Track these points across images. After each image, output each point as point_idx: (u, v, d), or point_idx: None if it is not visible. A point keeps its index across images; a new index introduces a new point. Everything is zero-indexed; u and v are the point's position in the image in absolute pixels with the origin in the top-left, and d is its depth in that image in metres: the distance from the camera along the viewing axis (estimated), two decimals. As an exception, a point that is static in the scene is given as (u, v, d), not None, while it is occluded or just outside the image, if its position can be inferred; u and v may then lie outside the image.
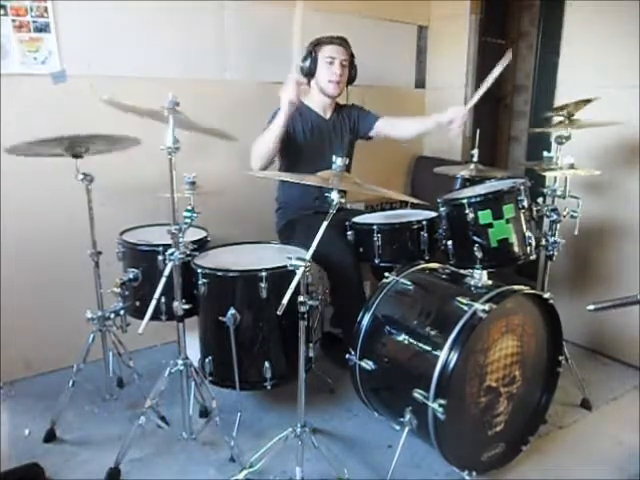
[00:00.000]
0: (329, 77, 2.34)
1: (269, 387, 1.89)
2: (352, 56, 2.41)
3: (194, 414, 1.89)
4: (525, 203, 1.90)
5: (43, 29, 2.13)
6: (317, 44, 2.35)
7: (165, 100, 1.59)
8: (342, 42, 2.36)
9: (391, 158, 3.36)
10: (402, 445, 1.65)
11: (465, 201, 1.89)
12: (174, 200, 1.64)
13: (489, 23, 3.39)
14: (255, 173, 2.34)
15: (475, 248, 1.89)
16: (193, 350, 1.88)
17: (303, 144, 2.38)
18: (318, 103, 2.44)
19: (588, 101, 2.00)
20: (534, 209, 1.97)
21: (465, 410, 1.63)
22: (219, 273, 1.84)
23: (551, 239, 2.03)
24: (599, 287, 2.60)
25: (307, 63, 2.36)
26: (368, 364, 1.75)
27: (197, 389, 1.85)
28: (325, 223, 1.48)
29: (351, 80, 2.45)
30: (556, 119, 2.12)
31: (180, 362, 1.75)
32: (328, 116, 2.47)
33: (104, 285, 2.02)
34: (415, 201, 1.91)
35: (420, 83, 3.43)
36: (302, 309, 1.55)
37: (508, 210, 1.87)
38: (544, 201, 2.05)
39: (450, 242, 2.01)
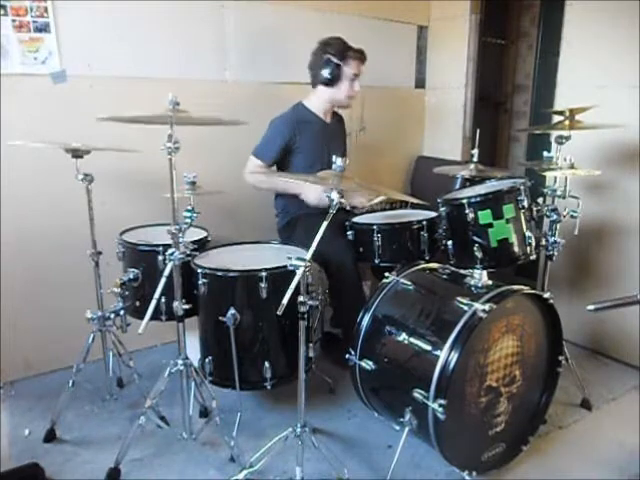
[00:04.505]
0: (350, 93, 2.33)
1: (269, 387, 1.89)
2: None
3: (194, 414, 1.89)
4: (525, 203, 1.90)
5: (43, 29, 2.13)
6: (344, 56, 2.25)
7: (165, 100, 1.60)
8: (365, 58, 2.32)
9: (391, 158, 3.37)
10: (402, 445, 1.65)
11: (465, 201, 1.89)
12: (174, 200, 1.64)
13: (489, 23, 3.39)
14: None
15: (475, 248, 1.89)
16: (193, 350, 1.88)
17: (306, 149, 2.35)
18: (320, 107, 2.42)
19: (584, 109, 2.00)
20: (534, 209, 1.97)
21: (465, 410, 1.63)
22: (219, 273, 1.84)
23: (551, 239, 2.03)
24: (599, 287, 2.60)
25: (327, 72, 2.26)
26: (368, 364, 1.75)
27: (197, 389, 1.85)
28: (325, 223, 1.48)
29: None
30: (556, 119, 2.12)
31: (180, 362, 1.75)
32: (329, 120, 2.47)
33: (104, 285, 2.02)
34: (415, 201, 1.91)
35: (420, 83, 3.43)
36: (302, 309, 1.54)
37: (508, 210, 1.87)
38: (544, 201, 2.05)
39: (450, 242, 2.01)
